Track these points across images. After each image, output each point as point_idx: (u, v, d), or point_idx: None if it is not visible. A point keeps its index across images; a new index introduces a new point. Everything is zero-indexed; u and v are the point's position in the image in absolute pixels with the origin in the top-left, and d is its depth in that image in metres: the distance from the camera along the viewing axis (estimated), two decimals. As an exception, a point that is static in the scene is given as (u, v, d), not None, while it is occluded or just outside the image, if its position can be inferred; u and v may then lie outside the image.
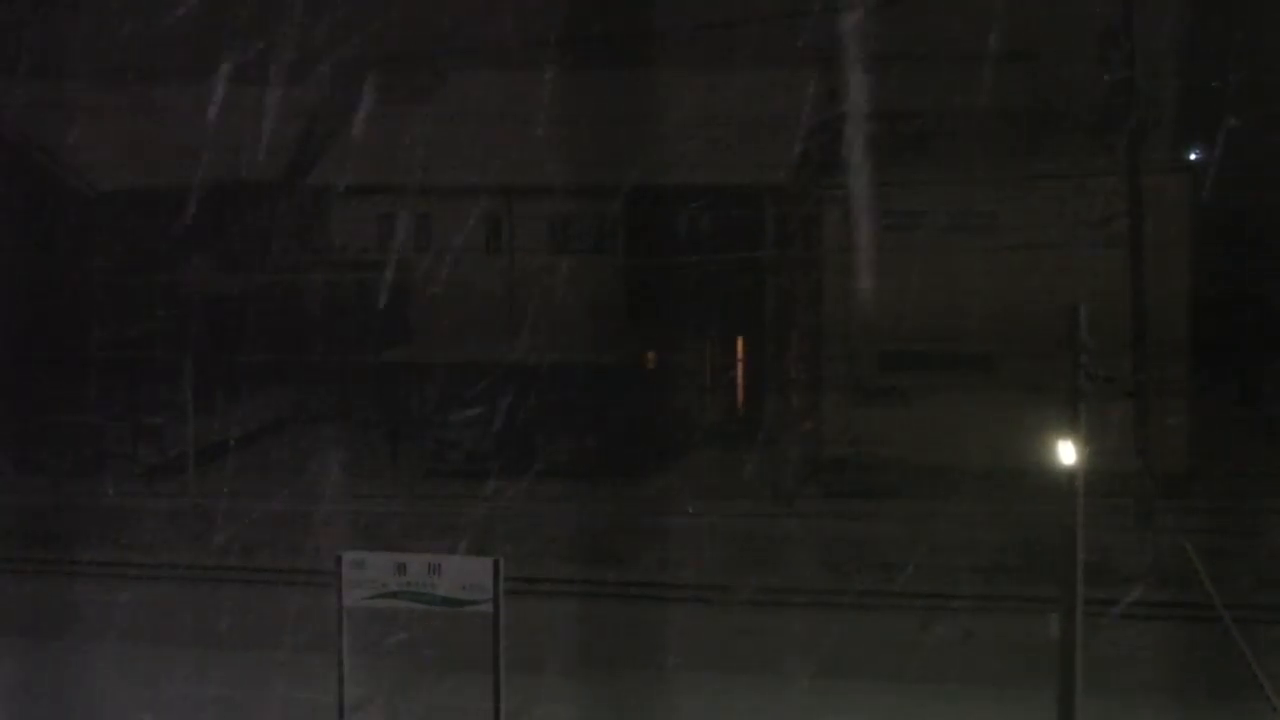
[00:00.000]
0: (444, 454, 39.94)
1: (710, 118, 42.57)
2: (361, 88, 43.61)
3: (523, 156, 41.26)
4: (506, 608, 20.63)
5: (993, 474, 32.64)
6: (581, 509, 35.25)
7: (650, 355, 41.58)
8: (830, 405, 38.85)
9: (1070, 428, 20.42)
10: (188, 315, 40.17)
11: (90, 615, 28.78)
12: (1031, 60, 40.94)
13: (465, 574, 20.77)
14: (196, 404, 38.30)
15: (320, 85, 46.16)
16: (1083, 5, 37.30)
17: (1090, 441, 20.42)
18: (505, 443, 39.09)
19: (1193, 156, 40.60)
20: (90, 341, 40.51)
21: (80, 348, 40.37)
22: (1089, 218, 36.21)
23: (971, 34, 37.66)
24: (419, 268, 42.25)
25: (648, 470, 38.45)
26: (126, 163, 43.61)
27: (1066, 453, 20.44)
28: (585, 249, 42.70)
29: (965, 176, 37.90)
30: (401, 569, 20.99)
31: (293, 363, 41.74)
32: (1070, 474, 20.28)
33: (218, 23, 39.63)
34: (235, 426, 40.63)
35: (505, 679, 20.75)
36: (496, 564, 20.62)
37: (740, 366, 43.37)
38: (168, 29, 38.98)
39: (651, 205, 41.66)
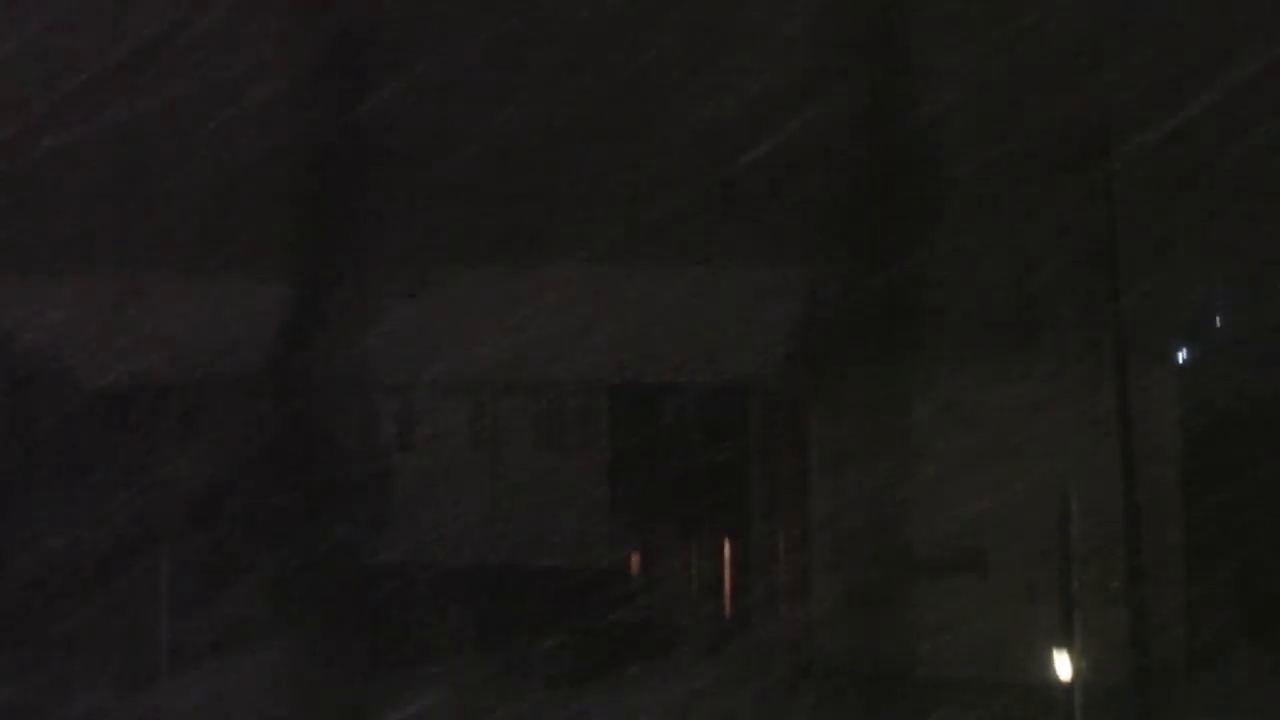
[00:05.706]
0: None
1: (694, 311, 42.52)
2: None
3: (506, 350, 41.11)
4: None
5: (984, 683, 31.94)
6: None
7: (635, 558, 41.03)
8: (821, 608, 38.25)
9: (1064, 636, 19.98)
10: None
11: None
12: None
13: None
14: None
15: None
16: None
17: (1086, 643, 19.99)
18: (490, 642, 38.36)
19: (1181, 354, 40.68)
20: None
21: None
22: (1077, 407, 36.04)
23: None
24: (402, 462, 42.01)
25: (629, 679, 37.54)
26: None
27: (1062, 664, 19.98)
28: (569, 444, 42.36)
29: (954, 369, 37.73)
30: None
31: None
32: (1065, 688, 19.77)
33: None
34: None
35: None
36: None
37: (729, 569, 42.57)
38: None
39: (636, 400, 41.51)
